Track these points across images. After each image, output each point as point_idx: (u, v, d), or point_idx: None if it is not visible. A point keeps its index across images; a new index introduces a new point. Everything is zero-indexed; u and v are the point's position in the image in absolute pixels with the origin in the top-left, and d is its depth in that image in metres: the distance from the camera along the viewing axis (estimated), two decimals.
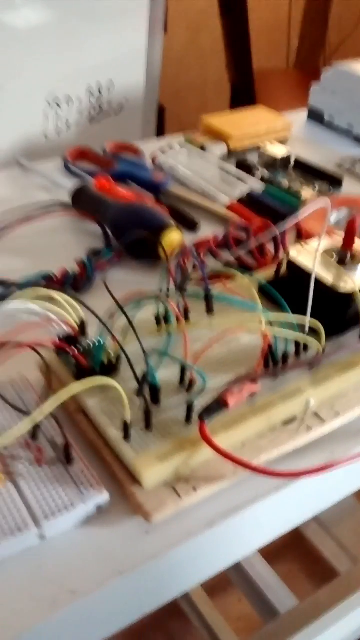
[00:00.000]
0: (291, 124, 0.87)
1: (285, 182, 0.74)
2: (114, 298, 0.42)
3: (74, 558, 0.35)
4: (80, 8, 0.98)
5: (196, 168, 0.76)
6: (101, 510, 0.37)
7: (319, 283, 0.46)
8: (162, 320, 0.46)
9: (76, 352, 0.41)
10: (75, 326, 0.43)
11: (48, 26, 0.96)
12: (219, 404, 0.39)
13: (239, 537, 0.41)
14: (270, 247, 0.61)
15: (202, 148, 0.80)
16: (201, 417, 0.38)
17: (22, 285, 0.52)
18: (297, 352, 0.46)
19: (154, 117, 1.21)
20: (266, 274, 0.53)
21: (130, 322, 0.42)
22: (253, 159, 0.79)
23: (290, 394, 0.43)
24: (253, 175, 0.75)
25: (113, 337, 0.41)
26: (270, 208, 0.68)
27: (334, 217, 0.65)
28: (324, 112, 0.93)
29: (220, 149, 0.80)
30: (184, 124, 0.87)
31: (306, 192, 0.71)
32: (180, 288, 0.46)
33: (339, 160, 0.82)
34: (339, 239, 0.51)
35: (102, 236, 0.61)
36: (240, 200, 0.70)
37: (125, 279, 0.58)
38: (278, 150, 0.78)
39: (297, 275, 0.49)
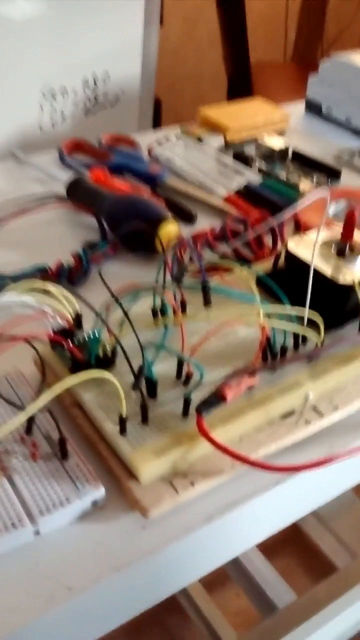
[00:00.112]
0: (289, 116, 0.87)
1: (282, 174, 0.73)
2: (109, 289, 0.42)
3: (70, 554, 0.35)
4: None
5: (193, 160, 0.75)
6: (97, 505, 0.36)
7: (317, 275, 0.45)
8: (158, 312, 0.46)
9: (71, 345, 0.41)
10: (71, 319, 0.42)
11: (44, 17, 0.95)
12: (216, 398, 0.38)
13: (237, 532, 0.40)
14: (267, 240, 0.60)
15: (199, 140, 0.79)
16: (199, 411, 0.38)
17: (17, 278, 0.51)
18: (296, 345, 0.45)
19: (150, 109, 1.20)
20: (264, 266, 0.52)
21: (126, 314, 0.41)
22: (250, 150, 0.78)
23: (289, 387, 0.42)
24: (250, 167, 0.75)
25: (109, 329, 0.41)
26: (268, 200, 0.67)
27: (332, 209, 0.64)
28: (322, 103, 0.93)
29: (217, 141, 0.80)
30: (180, 116, 0.87)
31: (304, 184, 0.71)
32: (177, 280, 0.46)
33: (336, 152, 0.82)
34: (337, 230, 0.50)
35: (98, 228, 0.60)
36: (238, 192, 0.70)
37: (121, 272, 0.57)
38: (276, 142, 0.78)
39: (296, 267, 0.48)
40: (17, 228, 0.62)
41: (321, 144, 0.85)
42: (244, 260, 0.57)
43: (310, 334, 0.44)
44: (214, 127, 0.81)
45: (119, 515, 0.37)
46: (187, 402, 0.39)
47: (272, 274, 0.48)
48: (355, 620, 0.87)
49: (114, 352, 0.42)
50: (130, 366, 0.40)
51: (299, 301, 0.44)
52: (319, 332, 0.44)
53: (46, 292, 0.42)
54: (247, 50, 1.64)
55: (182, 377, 0.42)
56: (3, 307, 0.40)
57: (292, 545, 1.13)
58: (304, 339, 0.45)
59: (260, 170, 0.74)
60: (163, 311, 0.45)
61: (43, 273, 0.54)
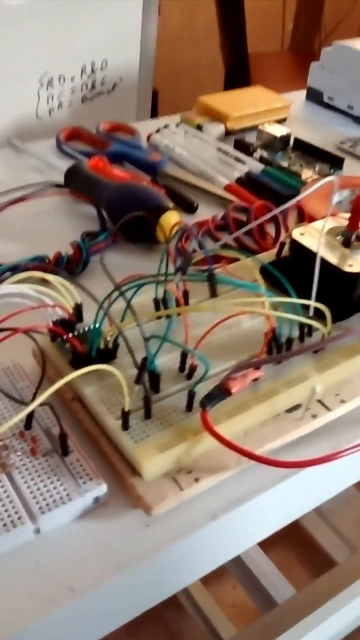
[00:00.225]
0: (290, 102, 0.85)
1: (284, 163, 0.72)
2: (110, 278, 0.40)
3: (72, 553, 0.34)
4: None
5: (193, 148, 0.74)
6: (99, 502, 0.35)
7: (323, 264, 0.44)
8: (161, 304, 0.45)
9: (71, 337, 0.39)
10: (70, 310, 0.41)
11: (42, 4, 0.94)
12: (221, 391, 0.37)
13: (242, 528, 0.40)
14: (271, 230, 0.59)
15: (199, 128, 0.78)
16: (203, 405, 0.37)
17: (15, 269, 0.50)
18: (301, 337, 0.44)
19: (149, 99, 1.18)
20: (267, 256, 0.51)
21: (128, 304, 0.40)
22: (251, 139, 0.77)
23: (295, 380, 0.41)
24: (251, 155, 0.73)
25: (111, 319, 0.40)
26: (270, 189, 0.66)
27: (335, 198, 0.63)
28: (323, 91, 0.91)
29: (217, 129, 0.78)
30: (177, 107, 0.85)
31: (306, 173, 0.69)
32: (182, 270, 0.44)
33: (338, 141, 0.80)
34: (342, 220, 0.49)
35: (97, 218, 0.59)
36: (239, 181, 0.68)
37: (121, 263, 0.56)
38: (277, 130, 0.76)
39: (301, 256, 0.47)
40: (14, 217, 0.61)
41: (322, 132, 0.84)
42: (246, 250, 0.56)
43: (318, 324, 0.43)
44: (214, 115, 0.80)
45: (121, 512, 0.36)
46: (191, 396, 0.38)
47: (276, 264, 0.47)
48: (355, 616, 0.86)
49: (115, 344, 0.41)
50: (133, 359, 0.38)
51: (303, 292, 0.43)
52: (325, 323, 0.43)
53: (45, 283, 0.41)
54: (244, 40, 1.63)
55: (186, 370, 0.41)
56: (1, 298, 0.39)
57: (289, 539, 1.12)
58: (310, 331, 0.44)
59: (261, 159, 0.73)
60: (165, 302, 0.44)
61: (41, 263, 0.53)
